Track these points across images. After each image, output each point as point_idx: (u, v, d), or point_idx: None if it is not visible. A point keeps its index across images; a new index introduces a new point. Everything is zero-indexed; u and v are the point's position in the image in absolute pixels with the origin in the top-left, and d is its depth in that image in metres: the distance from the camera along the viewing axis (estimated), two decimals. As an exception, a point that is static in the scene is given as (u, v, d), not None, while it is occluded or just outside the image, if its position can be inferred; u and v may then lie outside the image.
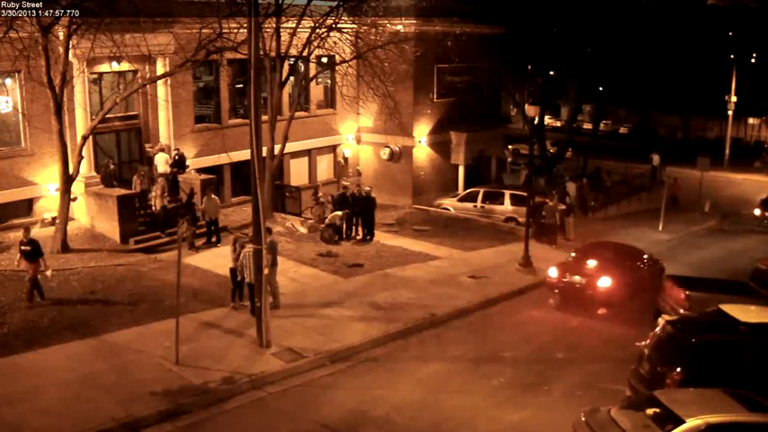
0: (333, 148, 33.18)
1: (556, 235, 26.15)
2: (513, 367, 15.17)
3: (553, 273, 19.43)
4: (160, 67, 24.42)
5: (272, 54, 25.10)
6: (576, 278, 18.96)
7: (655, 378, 12.68)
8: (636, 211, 34.81)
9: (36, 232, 22.22)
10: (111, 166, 23.63)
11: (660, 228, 30.08)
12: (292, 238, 24.32)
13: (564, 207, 26.94)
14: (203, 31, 21.72)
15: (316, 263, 21.66)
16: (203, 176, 24.87)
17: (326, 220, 24.94)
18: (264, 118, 24.64)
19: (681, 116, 65.17)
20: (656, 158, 44.69)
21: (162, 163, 24.42)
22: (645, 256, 20.89)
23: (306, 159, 31.89)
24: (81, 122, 22.66)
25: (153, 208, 22.69)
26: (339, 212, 24.80)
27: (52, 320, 15.98)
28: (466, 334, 17.15)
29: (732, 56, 50.89)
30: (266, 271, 14.84)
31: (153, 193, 22.85)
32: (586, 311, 18.55)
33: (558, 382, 14.49)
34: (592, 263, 19.18)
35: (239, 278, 16.72)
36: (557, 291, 19.33)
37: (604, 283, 18.63)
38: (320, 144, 32.21)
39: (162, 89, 24.64)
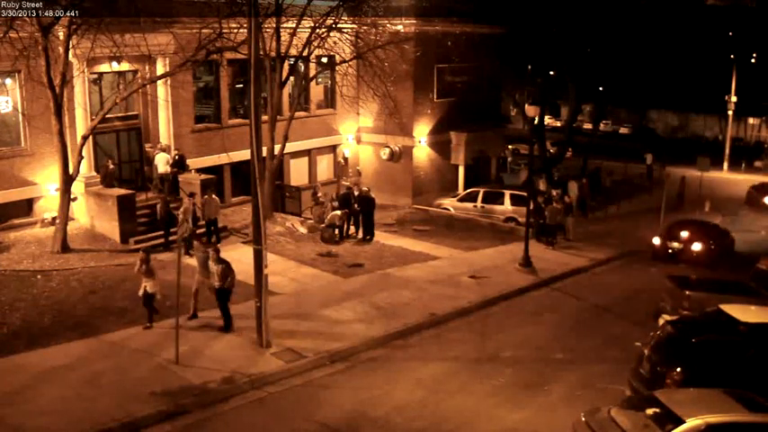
0: (333, 148, 33.18)
1: (555, 236, 26.12)
2: (513, 367, 15.17)
3: (657, 241, 25.50)
4: (160, 67, 24.42)
5: (272, 54, 25.10)
6: (675, 244, 25.13)
7: (655, 378, 12.67)
8: (636, 210, 34.82)
9: (36, 232, 22.29)
10: (111, 166, 23.62)
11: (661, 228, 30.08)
12: (292, 238, 24.33)
13: (563, 206, 26.89)
14: (203, 31, 21.73)
15: (316, 263, 21.67)
16: (203, 176, 24.86)
17: (326, 220, 24.94)
18: (264, 118, 24.64)
19: (681, 116, 65.22)
20: (649, 158, 44.86)
21: (162, 163, 24.44)
22: (720, 230, 26.87)
23: (306, 159, 31.89)
24: (81, 122, 22.66)
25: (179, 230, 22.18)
26: (338, 212, 24.80)
27: (52, 320, 15.99)
28: (466, 334, 17.14)
29: (732, 56, 50.90)
30: (266, 270, 14.84)
31: (180, 217, 21.82)
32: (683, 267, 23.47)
33: (557, 382, 14.48)
34: (684, 233, 25.17)
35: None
36: (669, 252, 25.12)
37: (696, 247, 24.74)
38: (320, 144, 32.22)
39: (162, 89, 24.63)
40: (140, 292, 15.73)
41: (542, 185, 27.99)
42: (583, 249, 25.68)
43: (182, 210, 21.64)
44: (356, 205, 25.39)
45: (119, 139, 25.31)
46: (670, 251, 25.01)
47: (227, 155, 25.74)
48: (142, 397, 12.61)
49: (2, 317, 16.04)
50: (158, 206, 22.26)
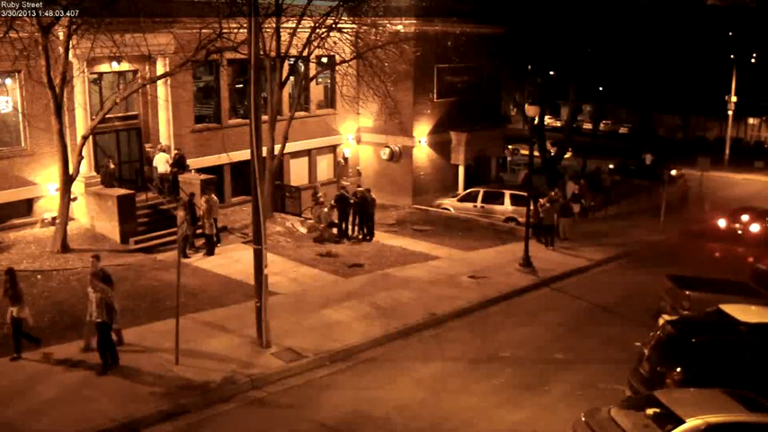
0: (333, 148, 33.16)
1: (553, 236, 26.09)
2: (513, 367, 15.17)
3: (722, 223, 30.02)
4: (160, 67, 24.41)
5: (272, 54, 25.09)
6: (737, 225, 29.82)
7: (655, 378, 12.68)
8: (636, 210, 34.82)
9: (36, 232, 22.30)
10: (112, 166, 23.63)
11: (660, 228, 30.11)
12: (292, 238, 24.33)
13: (555, 206, 26.67)
14: (203, 31, 21.73)
15: (316, 263, 21.67)
16: (203, 176, 24.86)
17: (321, 219, 24.77)
18: (264, 118, 24.63)
19: (681, 116, 65.16)
20: (648, 158, 44.90)
21: (162, 163, 24.44)
22: None
23: (306, 159, 31.88)
24: (81, 122, 22.66)
25: (203, 230, 22.10)
26: (326, 209, 24.66)
27: (52, 320, 15.98)
28: (466, 334, 17.15)
29: (732, 56, 50.86)
30: (266, 270, 14.83)
31: (201, 221, 22.04)
32: (741, 246, 28.24)
33: (557, 382, 14.49)
34: (745, 217, 29.93)
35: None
36: (737, 231, 29.65)
37: (754, 228, 29.41)
38: (320, 144, 32.20)
39: (162, 89, 24.63)
40: (7, 318, 13.92)
41: (554, 193, 28.01)
42: (583, 249, 25.67)
43: (202, 210, 21.82)
44: (354, 205, 25.38)
45: (119, 139, 25.31)
46: (739, 231, 29.64)
47: (227, 155, 25.72)
48: (142, 397, 12.62)
49: (2, 317, 16.03)
50: (179, 211, 21.98)
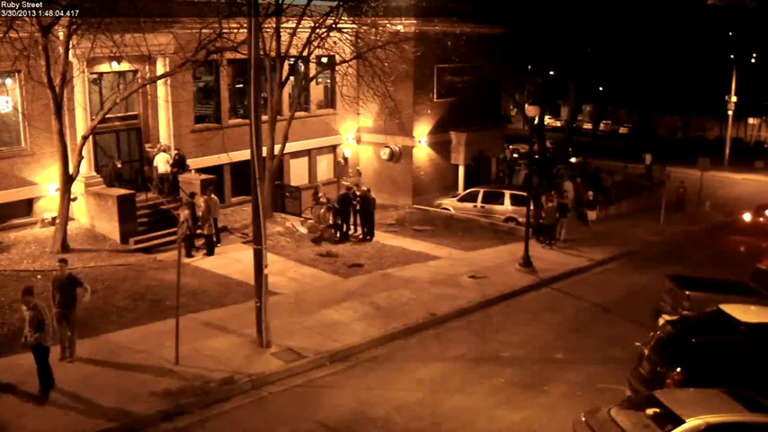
0: (333, 148, 33.17)
1: (553, 236, 26.09)
2: (513, 367, 15.17)
3: (747, 217, 33.11)
4: (160, 67, 24.42)
5: (272, 54, 25.11)
6: (761, 219, 32.57)
7: (655, 378, 12.68)
8: (636, 210, 34.79)
9: (36, 232, 22.30)
10: (119, 165, 23.65)
11: (661, 228, 30.13)
12: (292, 238, 24.34)
13: (555, 206, 26.63)
14: (203, 31, 21.73)
15: (316, 263, 21.67)
16: (203, 176, 24.87)
17: (321, 220, 24.76)
18: (264, 118, 24.64)
19: (681, 116, 65.17)
20: (648, 158, 44.87)
21: (162, 163, 24.44)
22: None
23: (306, 159, 31.88)
24: (81, 122, 22.66)
25: (202, 230, 22.10)
26: (322, 209, 24.68)
27: (51, 321, 15.94)
28: (466, 334, 17.14)
29: (732, 56, 50.88)
30: (266, 270, 14.82)
31: (200, 222, 22.04)
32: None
33: (557, 382, 14.49)
34: None
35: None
36: (760, 222, 32.42)
37: None
38: (320, 144, 32.21)
39: (162, 89, 24.64)
40: None
41: (554, 193, 28.01)
42: (583, 249, 25.68)
43: (201, 210, 21.83)
44: (357, 205, 25.40)
45: (119, 139, 25.32)
46: (763, 223, 32.26)
47: (227, 155, 25.74)
48: (142, 397, 12.62)
49: (2, 317, 16.05)
50: (183, 210, 21.88)
